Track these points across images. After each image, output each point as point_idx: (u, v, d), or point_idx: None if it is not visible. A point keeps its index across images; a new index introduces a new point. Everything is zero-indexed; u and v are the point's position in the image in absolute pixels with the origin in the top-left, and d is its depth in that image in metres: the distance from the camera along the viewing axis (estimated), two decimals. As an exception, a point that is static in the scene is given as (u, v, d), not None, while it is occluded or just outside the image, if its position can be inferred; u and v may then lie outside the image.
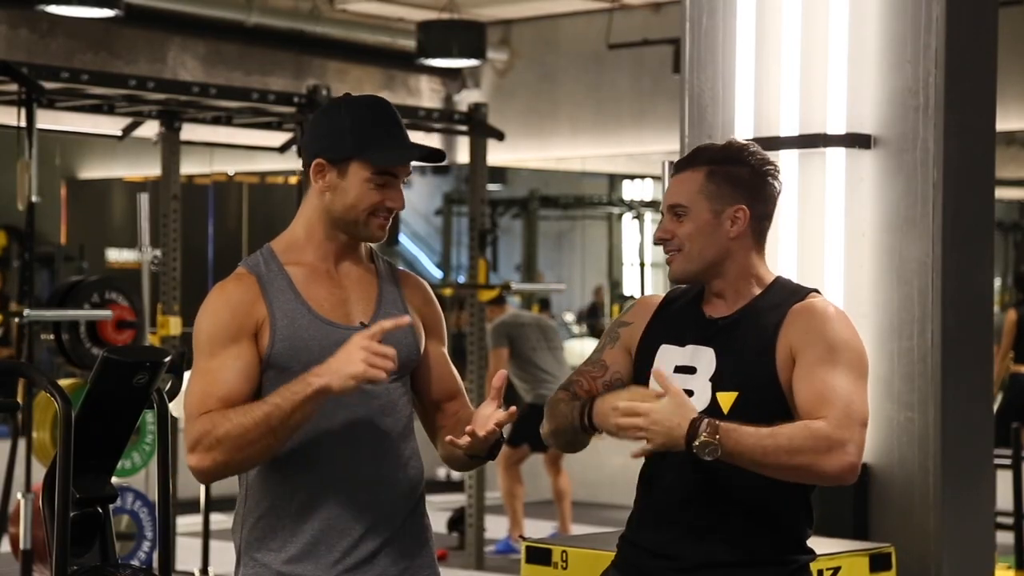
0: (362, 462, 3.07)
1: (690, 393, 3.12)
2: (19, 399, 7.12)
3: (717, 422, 2.98)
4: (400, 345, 3.10)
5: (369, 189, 3.06)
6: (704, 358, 3.15)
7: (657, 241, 3.23)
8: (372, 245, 3.21)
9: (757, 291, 3.20)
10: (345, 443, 3.05)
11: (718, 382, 3.12)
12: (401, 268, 3.26)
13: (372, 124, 3.08)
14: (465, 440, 2.99)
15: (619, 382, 3.25)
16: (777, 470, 3.02)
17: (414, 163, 3.15)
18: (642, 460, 3.21)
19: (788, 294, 3.19)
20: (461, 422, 3.14)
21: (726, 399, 3.11)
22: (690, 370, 3.16)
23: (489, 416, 3.00)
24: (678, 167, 3.25)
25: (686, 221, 3.18)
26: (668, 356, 3.19)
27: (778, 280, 3.24)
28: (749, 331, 3.15)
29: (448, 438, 3.03)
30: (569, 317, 15.85)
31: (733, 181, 3.18)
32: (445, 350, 3.26)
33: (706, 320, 3.20)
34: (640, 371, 3.23)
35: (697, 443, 2.96)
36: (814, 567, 3.24)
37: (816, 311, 3.14)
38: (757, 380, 3.10)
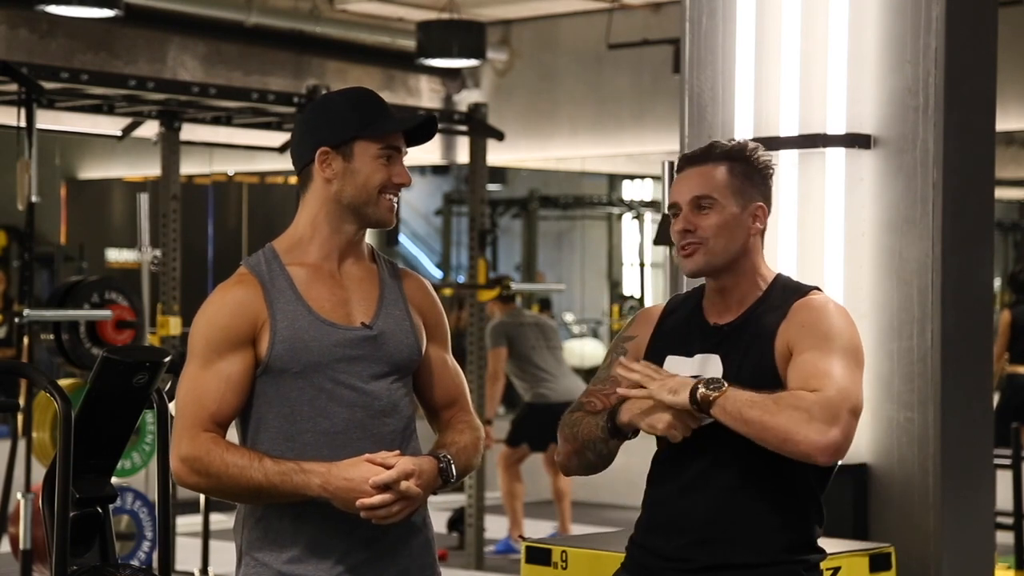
0: (363, 462, 3.07)
1: None
2: (20, 399, 7.13)
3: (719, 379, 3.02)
4: (401, 346, 3.11)
5: (378, 166, 3.08)
6: (712, 366, 3.15)
7: (680, 233, 3.17)
8: (374, 246, 3.22)
9: (760, 292, 3.20)
10: (346, 444, 3.05)
11: None
12: (403, 267, 3.26)
13: (367, 105, 3.12)
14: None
15: None
16: (761, 429, 2.97)
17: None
18: (648, 461, 3.21)
19: (790, 293, 3.19)
20: (452, 430, 3.17)
21: None
22: None
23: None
24: (691, 161, 3.21)
25: (711, 214, 3.15)
26: (676, 367, 3.17)
27: (779, 278, 3.25)
28: (752, 334, 3.15)
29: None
30: (569, 317, 15.82)
31: (751, 178, 3.19)
32: (447, 354, 3.25)
33: (711, 327, 3.20)
34: None
35: (701, 389, 2.99)
36: (815, 567, 3.24)
37: (814, 306, 3.14)
38: (760, 381, 3.08)
